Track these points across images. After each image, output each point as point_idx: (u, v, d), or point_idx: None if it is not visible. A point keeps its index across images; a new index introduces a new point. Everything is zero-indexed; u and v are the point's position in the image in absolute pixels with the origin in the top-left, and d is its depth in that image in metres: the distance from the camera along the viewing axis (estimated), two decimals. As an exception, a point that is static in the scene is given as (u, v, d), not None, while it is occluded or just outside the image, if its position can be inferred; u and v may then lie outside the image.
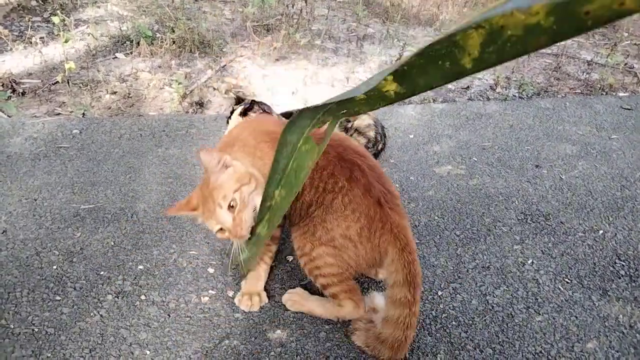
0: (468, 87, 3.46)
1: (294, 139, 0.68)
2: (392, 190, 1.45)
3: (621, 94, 3.47)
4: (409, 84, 0.54)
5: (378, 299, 1.52)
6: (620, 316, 1.63)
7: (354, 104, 0.62)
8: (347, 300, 1.50)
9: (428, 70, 0.51)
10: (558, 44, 4.17)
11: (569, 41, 4.39)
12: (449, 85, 3.46)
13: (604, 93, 3.47)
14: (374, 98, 0.59)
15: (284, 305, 1.60)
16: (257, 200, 1.29)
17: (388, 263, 1.38)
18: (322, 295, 1.57)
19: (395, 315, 1.34)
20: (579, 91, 3.51)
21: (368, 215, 1.38)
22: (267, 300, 1.62)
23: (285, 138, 0.69)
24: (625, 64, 3.88)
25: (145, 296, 1.62)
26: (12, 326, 1.48)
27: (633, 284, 1.77)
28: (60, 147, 2.42)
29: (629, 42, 4.46)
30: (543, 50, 4.14)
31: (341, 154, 1.44)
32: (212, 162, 1.29)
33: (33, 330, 1.48)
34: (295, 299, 1.60)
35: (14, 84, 2.90)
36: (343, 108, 0.64)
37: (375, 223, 1.38)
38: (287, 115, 2.39)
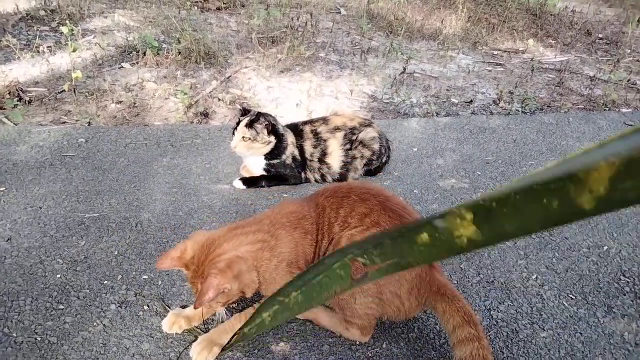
0: (472, 101, 3.48)
1: (331, 262, 0.61)
2: None
3: (624, 110, 3.48)
4: (492, 229, 0.41)
5: None
6: (626, 334, 1.62)
7: (413, 247, 0.47)
8: (357, 329, 1.50)
9: (524, 210, 0.38)
10: (560, 60, 4.18)
11: (572, 57, 4.42)
12: (453, 99, 3.48)
13: (607, 109, 3.49)
14: (439, 245, 0.45)
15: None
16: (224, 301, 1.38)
17: (441, 315, 1.42)
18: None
19: (467, 352, 1.33)
20: (582, 107, 3.52)
21: (420, 276, 1.42)
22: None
23: (323, 261, 0.62)
24: (629, 80, 3.90)
25: (149, 307, 1.62)
26: (15, 335, 1.48)
27: (638, 301, 1.76)
28: (66, 155, 2.43)
29: (631, 58, 4.49)
30: (546, 66, 4.17)
31: (384, 203, 1.47)
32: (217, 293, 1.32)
33: (36, 339, 1.47)
34: None
35: (21, 93, 2.92)
36: (398, 251, 0.50)
37: (425, 285, 1.42)
38: (292, 127, 2.40)
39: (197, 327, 1.53)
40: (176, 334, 1.51)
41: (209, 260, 1.35)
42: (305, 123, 2.44)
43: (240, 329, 0.79)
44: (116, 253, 1.84)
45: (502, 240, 0.42)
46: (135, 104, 3.01)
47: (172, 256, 1.38)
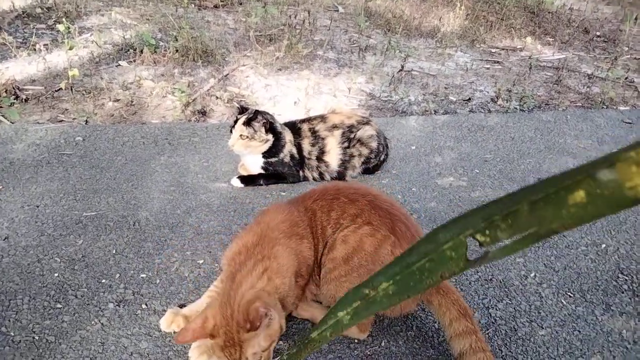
0: (469, 99, 3.48)
1: (442, 238, 0.49)
2: None
3: (622, 108, 3.48)
4: None
5: None
6: (624, 331, 1.63)
7: (561, 209, 0.38)
8: (355, 327, 1.50)
9: None
10: (558, 57, 4.18)
11: (569, 54, 4.42)
12: (451, 97, 3.48)
13: (605, 107, 3.49)
14: (600, 202, 0.37)
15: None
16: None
17: (436, 308, 1.43)
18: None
19: (467, 345, 1.34)
20: (580, 104, 3.53)
21: None
22: None
23: (435, 234, 0.51)
24: (626, 78, 3.91)
25: (147, 305, 1.61)
26: (12, 334, 1.47)
27: (636, 299, 1.77)
28: (63, 154, 2.42)
29: (629, 56, 4.50)
30: (544, 64, 4.18)
31: (373, 202, 1.48)
32: (264, 321, 1.23)
33: (34, 338, 1.46)
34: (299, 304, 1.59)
35: (17, 91, 2.91)
36: (537, 217, 0.40)
37: None
38: (289, 125, 2.40)
39: None
40: (174, 332, 1.51)
41: (238, 307, 1.25)
42: (303, 121, 2.43)
43: (306, 337, 0.69)
44: (114, 251, 1.83)
45: None
46: (132, 102, 3.00)
47: (194, 328, 1.26)
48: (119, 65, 3.42)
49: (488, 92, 3.60)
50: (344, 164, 2.38)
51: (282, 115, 2.97)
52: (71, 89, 2.98)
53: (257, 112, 2.21)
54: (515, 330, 1.61)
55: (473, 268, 0.47)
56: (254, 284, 1.32)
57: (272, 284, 1.35)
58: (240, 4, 4.76)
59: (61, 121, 2.76)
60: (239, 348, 1.23)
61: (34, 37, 3.51)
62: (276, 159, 2.30)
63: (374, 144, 2.38)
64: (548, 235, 0.41)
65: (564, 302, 1.74)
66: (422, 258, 0.51)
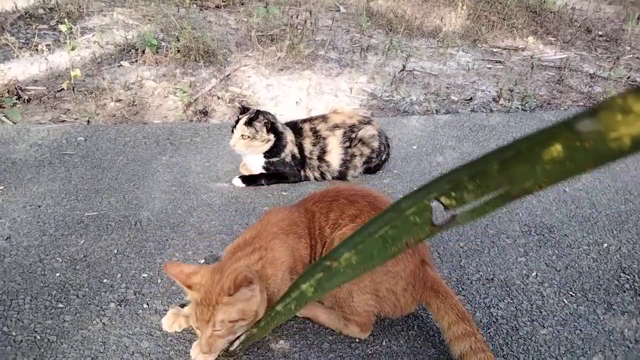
0: (471, 98, 3.48)
1: (406, 204, 0.46)
2: (426, 242, 1.55)
3: (624, 107, 3.47)
4: None
5: None
6: (626, 330, 1.62)
7: (535, 166, 0.34)
8: (356, 326, 1.50)
9: None
10: (560, 57, 4.17)
11: (571, 54, 4.41)
12: (452, 97, 3.48)
13: (607, 106, 3.48)
14: (580, 156, 0.33)
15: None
16: (240, 331, 1.34)
17: (435, 312, 1.44)
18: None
19: (467, 347, 1.35)
20: (582, 104, 3.52)
21: (414, 273, 1.43)
22: None
23: (398, 204, 0.48)
24: (628, 77, 3.90)
25: (148, 305, 1.61)
26: (14, 333, 1.48)
27: (638, 298, 1.76)
28: (65, 154, 2.43)
29: (631, 55, 4.48)
30: (546, 63, 4.17)
31: (372, 203, 1.49)
32: (244, 290, 1.28)
33: (35, 337, 1.47)
34: None
35: (19, 91, 2.91)
36: (507, 176, 0.36)
37: (419, 281, 1.44)
38: (291, 125, 2.40)
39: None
40: (175, 332, 1.51)
41: (225, 278, 1.31)
42: (304, 121, 2.43)
43: (272, 308, 0.68)
44: (115, 251, 1.83)
45: None
46: (134, 102, 3.00)
47: (184, 270, 1.36)
48: (121, 65, 3.42)
49: (490, 92, 3.59)
50: (346, 163, 2.38)
51: (284, 115, 2.97)
52: (73, 89, 2.99)
53: (258, 112, 2.22)
54: (517, 330, 1.61)
55: (439, 232, 0.44)
56: (249, 265, 1.38)
57: (264, 272, 1.40)
58: (242, 4, 4.76)
59: (63, 121, 2.76)
60: (212, 309, 1.27)
61: (36, 37, 3.52)
62: (278, 158, 2.30)
63: (375, 144, 2.38)
64: (520, 196, 0.37)
65: (566, 301, 1.73)
66: (384, 226, 0.48)
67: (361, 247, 0.51)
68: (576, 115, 0.31)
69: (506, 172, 0.36)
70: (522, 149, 0.35)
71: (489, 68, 4.03)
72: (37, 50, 3.40)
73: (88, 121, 2.78)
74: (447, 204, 0.42)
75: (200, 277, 1.35)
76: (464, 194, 0.39)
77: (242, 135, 2.18)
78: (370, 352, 1.50)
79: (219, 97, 3.16)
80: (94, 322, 1.54)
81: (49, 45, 3.50)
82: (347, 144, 2.36)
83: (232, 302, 1.28)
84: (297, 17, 4.22)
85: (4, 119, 2.70)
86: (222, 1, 4.68)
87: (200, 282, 1.33)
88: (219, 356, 1.41)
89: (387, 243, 0.48)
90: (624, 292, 1.79)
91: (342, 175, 2.40)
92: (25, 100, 2.89)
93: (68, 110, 2.88)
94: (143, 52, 3.47)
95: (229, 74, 3.46)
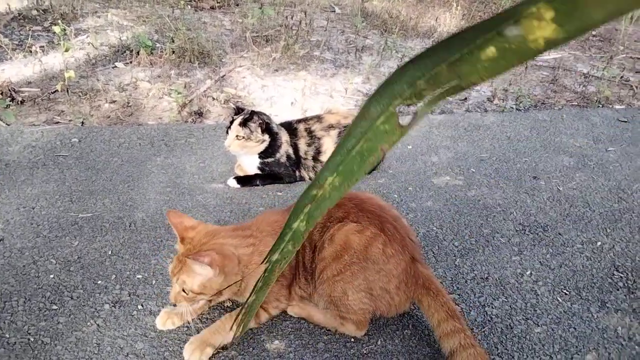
0: (466, 98, 3.49)
1: (375, 113, 0.51)
2: (416, 240, 1.55)
3: (617, 107, 3.49)
4: (575, 22, 0.36)
5: None
6: (619, 328, 1.63)
7: (476, 65, 0.43)
8: (352, 324, 1.50)
9: None
10: (554, 57, 4.19)
11: (565, 54, 4.43)
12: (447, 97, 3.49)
13: (601, 105, 3.50)
14: (509, 55, 0.41)
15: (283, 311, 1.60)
16: (202, 302, 1.49)
17: (426, 309, 1.46)
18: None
19: (456, 343, 1.36)
20: (576, 103, 3.54)
21: (406, 271, 1.45)
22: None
23: (367, 109, 0.52)
24: (621, 76, 3.92)
25: (143, 306, 1.61)
26: (7, 335, 1.47)
27: (631, 296, 1.77)
28: (59, 155, 2.42)
29: (624, 55, 4.51)
30: (540, 63, 4.18)
31: (359, 205, 1.51)
32: (193, 262, 1.36)
33: (29, 339, 1.46)
34: (295, 302, 1.60)
35: (13, 93, 2.91)
36: (456, 74, 0.44)
37: (411, 279, 1.46)
38: (285, 125, 2.40)
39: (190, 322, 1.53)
40: (169, 330, 1.51)
41: (209, 244, 1.41)
42: (299, 121, 2.43)
43: (269, 260, 0.70)
44: (110, 253, 1.83)
45: (583, 32, 0.37)
46: (128, 103, 3.00)
47: (184, 222, 1.49)
48: (116, 66, 3.42)
49: (484, 92, 3.61)
50: (340, 163, 2.38)
51: (279, 116, 2.97)
52: (67, 91, 2.98)
53: (253, 113, 2.22)
54: (511, 328, 1.62)
55: (408, 130, 0.51)
56: (242, 247, 1.45)
57: (251, 259, 1.46)
58: (237, 5, 4.76)
59: (57, 123, 2.75)
60: (181, 267, 1.39)
61: (30, 39, 3.51)
62: (272, 159, 2.30)
63: (370, 144, 2.38)
64: (469, 87, 0.46)
65: (560, 300, 1.74)
66: (359, 140, 0.53)
67: (342, 168, 0.55)
68: (501, 20, 0.41)
69: (455, 71, 0.45)
70: (465, 53, 0.44)
71: (484, 68, 4.04)
72: (30, 51, 3.38)
73: (82, 122, 2.77)
74: (408, 104, 0.50)
75: (195, 234, 1.46)
76: (422, 94, 0.48)
77: (237, 135, 2.18)
78: (365, 352, 1.50)
79: (213, 98, 3.16)
80: (88, 323, 1.53)
81: (43, 46, 3.49)
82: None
83: (191, 271, 1.37)
84: (292, 18, 4.22)
85: (-3, 120, 2.69)
86: (217, 2, 4.68)
87: (193, 238, 1.45)
88: (214, 355, 1.41)
89: (363, 156, 0.54)
90: (618, 290, 1.80)
91: (337, 176, 2.40)
92: (19, 102, 2.88)
93: (62, 111, 2.87)
94: (137, 53, 3.46)
95: (224, 75, 3.45)
